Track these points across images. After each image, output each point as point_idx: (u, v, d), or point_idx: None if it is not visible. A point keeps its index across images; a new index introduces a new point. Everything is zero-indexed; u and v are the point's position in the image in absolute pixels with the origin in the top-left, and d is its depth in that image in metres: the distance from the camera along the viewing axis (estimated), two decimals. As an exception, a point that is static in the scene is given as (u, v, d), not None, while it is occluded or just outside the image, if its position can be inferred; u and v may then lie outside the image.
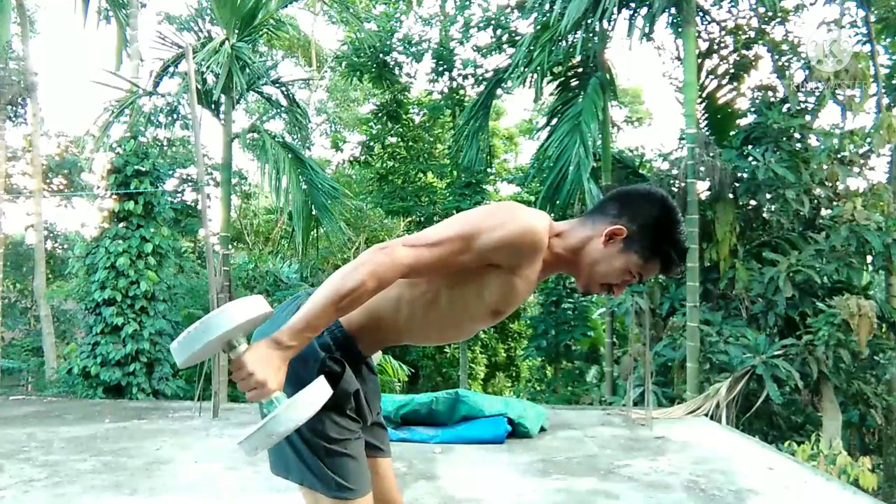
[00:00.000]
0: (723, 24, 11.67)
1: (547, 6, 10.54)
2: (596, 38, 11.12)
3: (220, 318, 1.25)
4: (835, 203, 10.00)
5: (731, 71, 11.56)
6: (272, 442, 1.25)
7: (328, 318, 1.34)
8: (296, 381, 1.37)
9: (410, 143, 16.88)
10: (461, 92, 15.78)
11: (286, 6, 11.33)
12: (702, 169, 9.52)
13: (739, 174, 9.90)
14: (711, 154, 9.55)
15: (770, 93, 10.79)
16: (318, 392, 1.28)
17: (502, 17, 14.27)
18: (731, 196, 9.83)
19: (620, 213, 1.50)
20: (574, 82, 11.65)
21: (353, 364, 1.50)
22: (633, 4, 10.09)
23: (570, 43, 10.81)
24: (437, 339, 1.65)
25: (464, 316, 1.53)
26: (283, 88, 11.31)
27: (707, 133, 10.81)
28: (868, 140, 10.16)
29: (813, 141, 10.37)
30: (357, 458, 1.49)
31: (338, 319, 1.49)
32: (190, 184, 15.56)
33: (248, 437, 1.25)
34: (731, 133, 11.09)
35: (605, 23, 10.49)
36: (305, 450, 1.45)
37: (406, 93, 16.64)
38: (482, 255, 1.42)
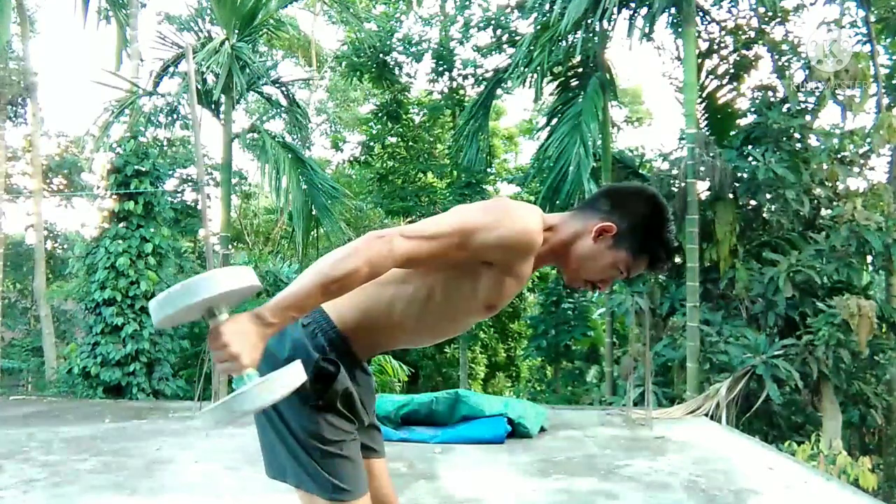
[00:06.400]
0: (723, 24, 11.66)
1: (547, 6, 10.53)
2: (596, 38, 11.12)
3: (204, 283, 1.20)
4: (835, 203, 9.98)
5: (731, 71, 11.55)
6: (235, 418, 1.21)
7: (315, 300, 1.31)
8: None
9: (410, 143, 16.86)
10: (461, 92, 15.78)
11: (286, 6, 11.35)
12: (702, 169, 9.52)
13: (739, 174, 9.89)
14: (711, 154, 9.55)
15: (770, 93, 10.77)
16: (293, 375, 1.24)
17: (502, 17, 14.26)
18: (731, 196, 9.82)
19: (611, 210, 1.51)
20: (574, 82, 11.65)
21: (347, 365, 1.49)
22: (633, 4, 10.09)
23: (570, 43, 10.80)
24: (434, 334, 1.64)
25: (458, 311, 1.54)
26: (283, 88, 11.32)
27: (707, 133, 10.79)
28: (868, 140, 10.15)
29: (813, 141, 10.35)
30: (353, 460, 1.49)
31: (332, 320, 1.49)
32: (190, 184, 15.56)
33: (212, 408, 1.21)
34: (731, 133, 11.09)
35: (605, 23, 10.48)
36: (301, 451, 1.45)
37: (406, 93, 16.63)
38: (477, 252, 1.42)
